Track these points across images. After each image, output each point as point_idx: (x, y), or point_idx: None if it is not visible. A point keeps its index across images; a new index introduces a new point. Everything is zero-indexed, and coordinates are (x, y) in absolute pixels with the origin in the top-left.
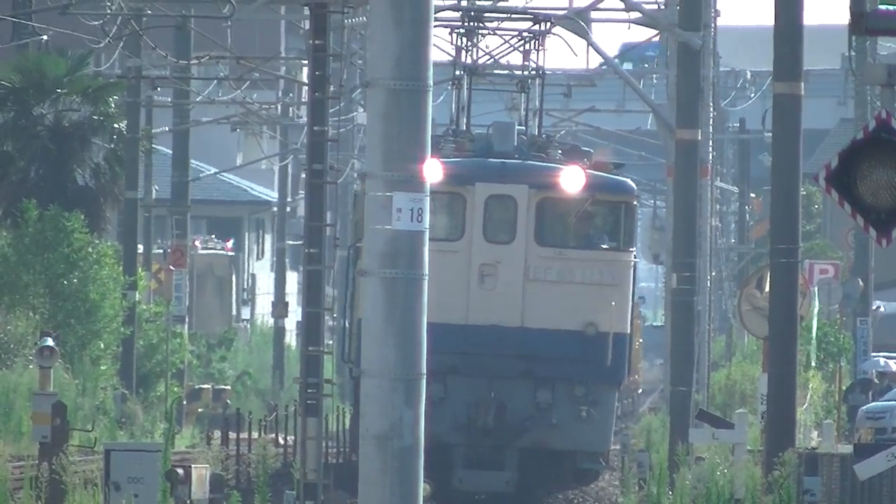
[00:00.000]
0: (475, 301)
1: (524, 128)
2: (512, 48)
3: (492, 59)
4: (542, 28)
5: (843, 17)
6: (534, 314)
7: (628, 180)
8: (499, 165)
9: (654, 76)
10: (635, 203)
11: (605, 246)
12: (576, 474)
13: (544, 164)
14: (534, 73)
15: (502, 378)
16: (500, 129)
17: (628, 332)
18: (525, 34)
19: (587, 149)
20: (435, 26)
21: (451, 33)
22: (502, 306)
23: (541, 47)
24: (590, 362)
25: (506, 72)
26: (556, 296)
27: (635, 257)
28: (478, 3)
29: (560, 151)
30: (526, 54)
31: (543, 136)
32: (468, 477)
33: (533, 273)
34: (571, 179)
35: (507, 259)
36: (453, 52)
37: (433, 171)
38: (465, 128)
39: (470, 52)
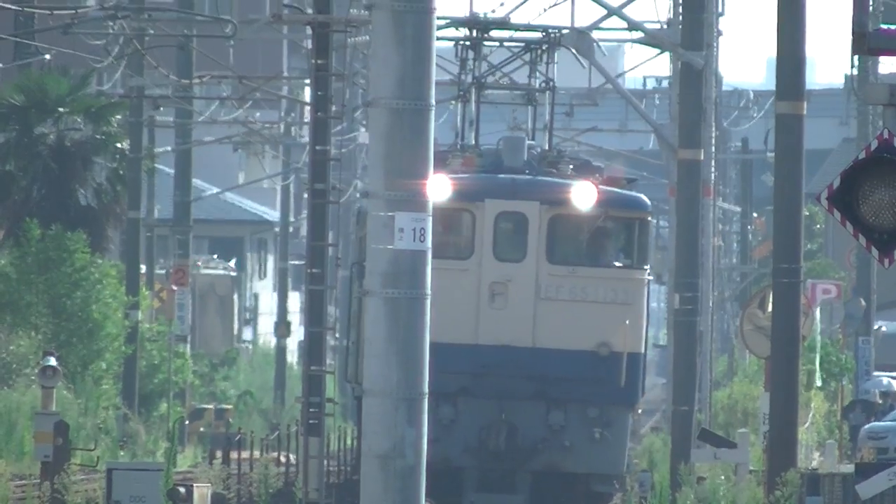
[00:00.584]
0: (485, 320)
1: (534, 142)
2: (523, 63)
3: (501, 74)
4: (553, 39)
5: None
6: (546, 334)
7: (642, 196)
8: (509, 181)
9: (657, 96)
10: (649, 219)
11: (618, 263)
12: (589, 498)
13: (555, 179)
14: (543, 85)
15: (514, 399)
16: (509, 144)
17: (643, 351)
18: (534, 46)
19: (598, 164)
20: (439, 39)
21: (456, 45)
22: (513, 326)
23: (551, 60)
24: (603, 383)
25: (515, 85)
26: (569, 315)
27: (649, 275)
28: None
29: (571, 167)
30: (534, 66)
31: (554, 150)
32: (479, 500)
33: (544, 292)
34: (583, 195)
35: (518, 277)
36: (459, 67)
37: (441, 187)
38: (473, 142)
39: (477, 66)
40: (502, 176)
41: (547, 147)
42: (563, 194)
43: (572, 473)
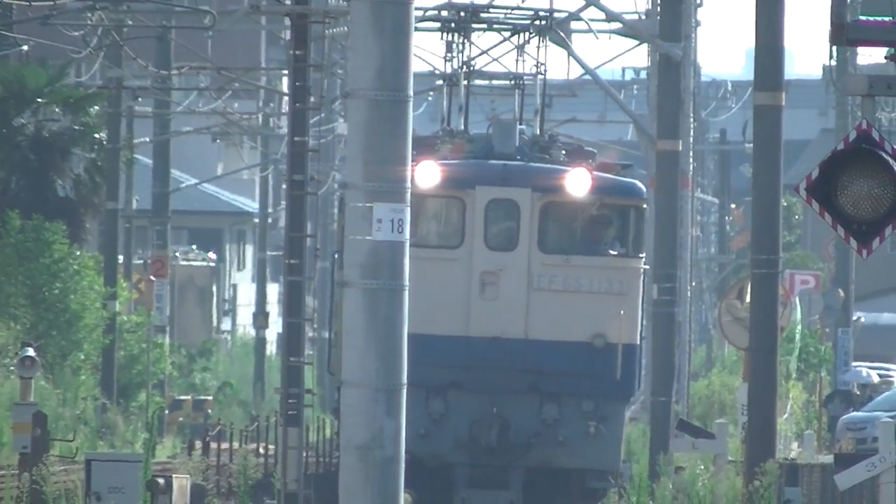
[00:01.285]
0: (476, 312)
1: (524, 127)
2: (512, 47)
3: (489, 59)
4: (545, 21)
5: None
6: (538, 325)
7: (637, 182)
8: (500, 168)
9: (635, 87)
10: (645, 206)
11: (613, 252)
12: (584, 494)
13: (548, 165)
14: (534, 68)
15: (506, 393)
16: (500, 129)
17: (638, 343)
18: (523, 30)
19: (591, 149)
20: (427, 20)
21: (442, 28)
22: (505, 317)
23: (542, 43)
24: (598, 376)
25: (505, 70)
26: (562, 305)
27: (645, 264)
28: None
29: (564, 152)
30: (522, 50)
31: (545, 135)
32: (471, 497)
33: (537, 282)
34: (577, 182)
35: (510, 267)
36: (444, 50)
37: (430, 173)
38: (462, 129)
39: (464, 51)
40: (493, 162)
41: (538, 132)
42: (556, 181)
43: (566, 469)
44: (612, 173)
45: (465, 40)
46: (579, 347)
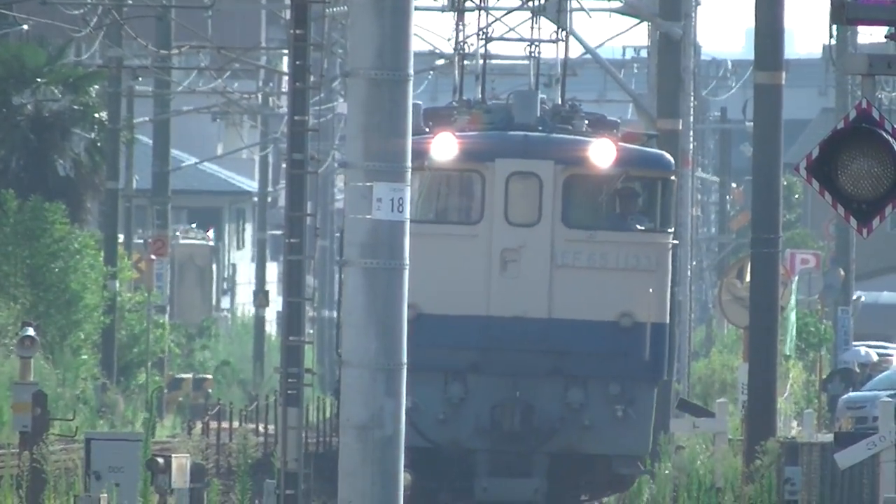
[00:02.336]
0: (497, 290)
1: (545, 97)
2: (530, 15)
3: (504, 28)
4: None
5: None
6: (562, 304)
7: (665, 153)
8: (521, 139)
9: (636, 66)
10: (673, 178)
11: (640, 227)
12: (611, 480)
13: (571, 136)
14: (554, 34)
15: (528, 376)
16: (520, 99)
17: (668, 321)
18: None
19: (615, 118)
20: None
21: None
22: (527, 296)
23: (563, 7)
24: (626, 356)
25: (520, 38)
26: (587, 283)
27: (674, 239)
28: None
29: (587, 122)
30: (538, 12)
31: (567, 105)
32: (493, 485)
33: (561, 258)
34: (602, 153)
35: (532, 243)
36: (455, 19)
37: (447, 146)
38: (480, 98)
39: (479, 17)
40: (513, 133)
41: (560, 101)
42: (580, 152)
43: (593, 455)
44: (637, 144)
45: (483, 5)
46: (605, 327)
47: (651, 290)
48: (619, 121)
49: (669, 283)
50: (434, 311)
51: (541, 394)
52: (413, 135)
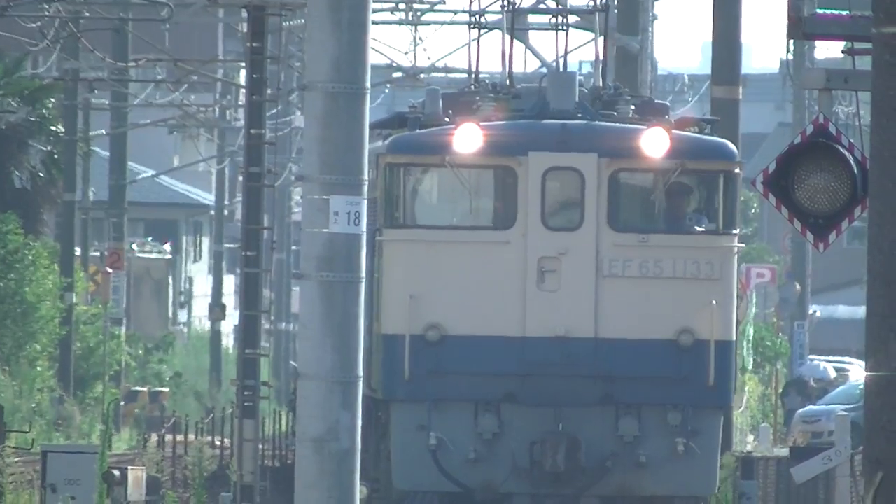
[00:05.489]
0: (534, 306)
1: (583, 78)
2: None
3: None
4: None
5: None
6: (611, 321)
7: (727, 142)
8: (558, 129)
9: (592, 81)
10: (738, 171)
11: (699, 228)
12: None
13: (616, 124)
14: (591, 3)
15: (573, 405)
16: (556, 81)
17: (734, 339)
18: None
19: (664, 102)
20: None
21: None
22: (569, 312)
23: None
24: (686, 381)
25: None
26: (639, 296)
27: (739, 242)
28: None
29: (633, 107)
30: None
31: (609, 87)
32: None
33: (608, 267)
34: (653, 143)
35: (574, 250)
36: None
37: (471, 137)
38: (507, 82)
39: None
40: (549, 122)
41: (601, 84)
42: (628, 143)
43: (650, 497)
44: (693, 131)
45: None
46: (662, 347)
47: (714, 303)
48: (668, 105)
49: (735, 294)
50: (461, 333)
51: (588, 426)
52: (433, 125)
